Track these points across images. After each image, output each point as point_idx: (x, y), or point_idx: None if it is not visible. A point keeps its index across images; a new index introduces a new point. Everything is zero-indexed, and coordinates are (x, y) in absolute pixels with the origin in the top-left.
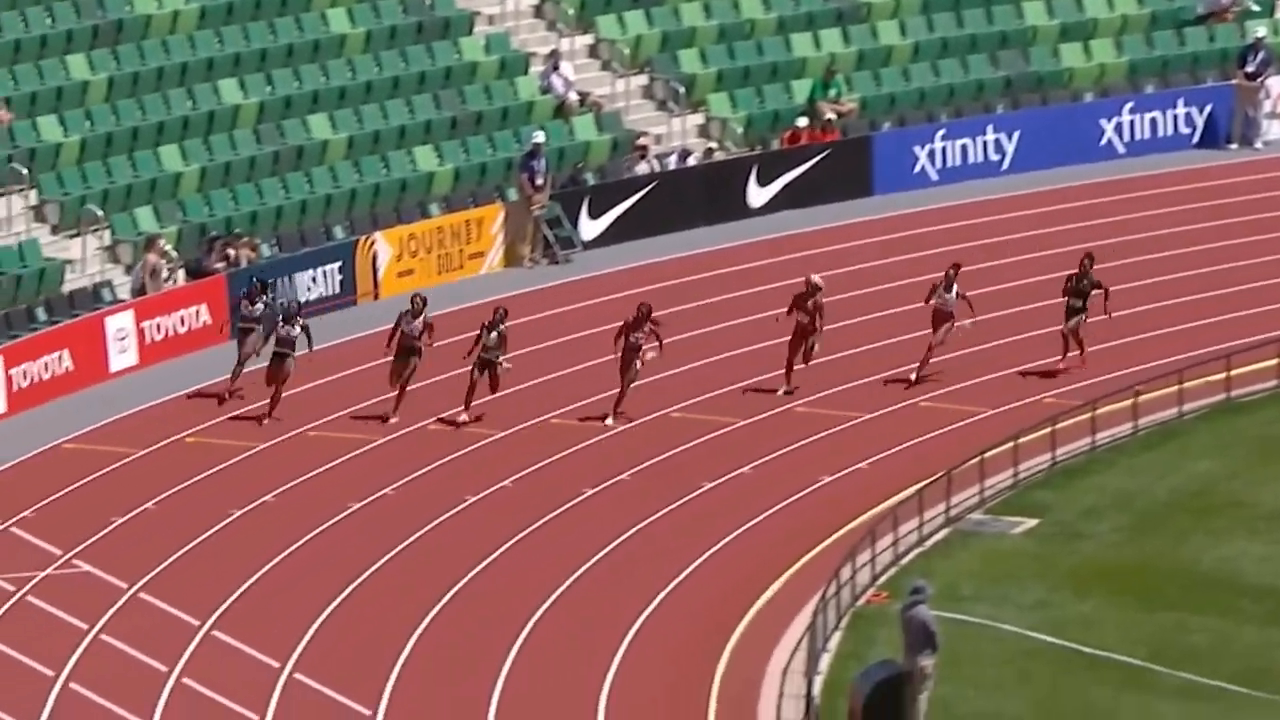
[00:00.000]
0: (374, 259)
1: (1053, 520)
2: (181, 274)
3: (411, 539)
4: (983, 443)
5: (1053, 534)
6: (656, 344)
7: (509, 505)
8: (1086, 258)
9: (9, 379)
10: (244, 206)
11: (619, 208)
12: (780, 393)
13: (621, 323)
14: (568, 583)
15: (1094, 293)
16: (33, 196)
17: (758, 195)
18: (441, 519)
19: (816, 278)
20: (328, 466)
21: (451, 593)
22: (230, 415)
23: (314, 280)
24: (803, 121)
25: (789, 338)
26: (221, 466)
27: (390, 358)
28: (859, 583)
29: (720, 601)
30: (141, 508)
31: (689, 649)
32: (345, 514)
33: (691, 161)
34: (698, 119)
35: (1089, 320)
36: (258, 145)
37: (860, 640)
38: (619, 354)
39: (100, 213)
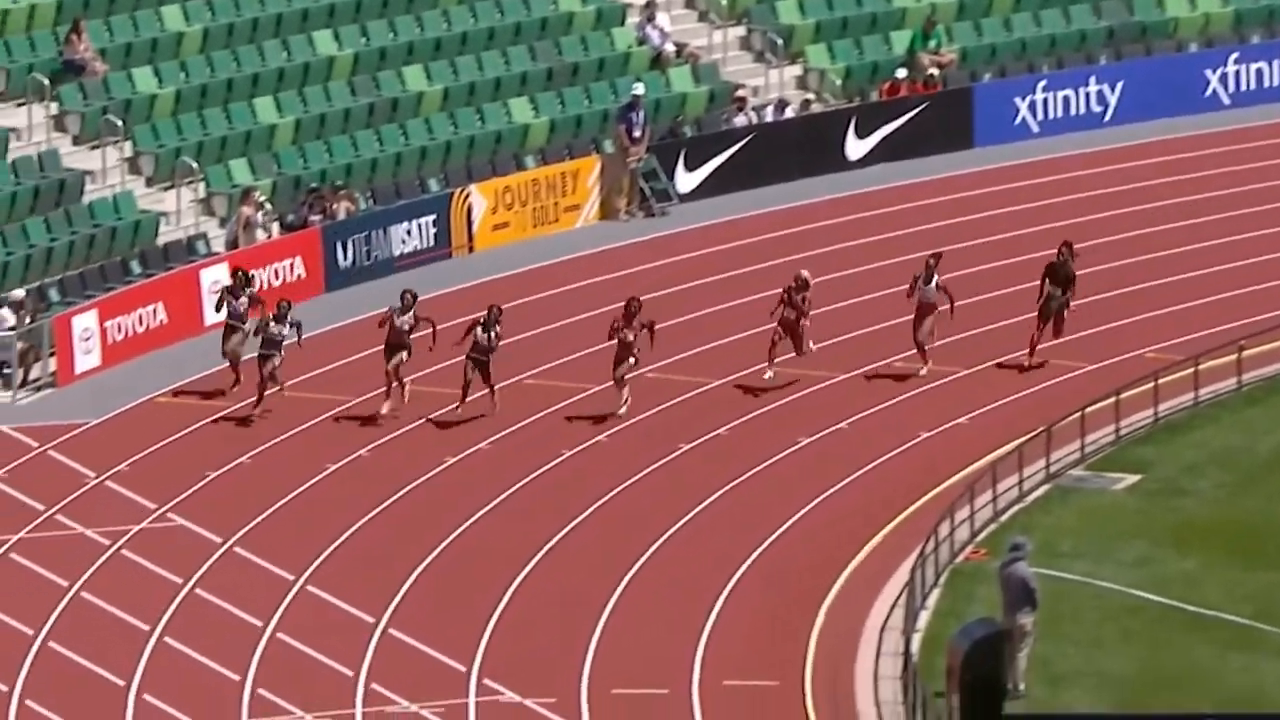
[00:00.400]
0: (469, 212)
1: (1155, 476)
2: (276, 227)
3: (507, 494)
4: (1084, 398)
5: (1155, 490)
6: (646, 334)
7: (605, 460)
8: (1065, 245)
9: (104, 332)
10: (338, 159)
11: (715, 160)
12: (767, 377)
13: (613, 325)
14: (665, 537)
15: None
16: (127, 149)
17: (856, 148)
18: (537, 473)
19: (805, 272)
20: (423, 420)
21: (547, 548)
22: (327, 368)
23: (408, 234)
24: (902, 73)
25: (775, 328)
26: (316, 420)
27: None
28: (957, 539)
29: (818, 557)
30: (236, 461)
31: (786, 605)
32: (441, 468)
33: (789, 113)
34: (796, 70)
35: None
36: (353, 97)
37: (958, 597)
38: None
39: (195, 165)
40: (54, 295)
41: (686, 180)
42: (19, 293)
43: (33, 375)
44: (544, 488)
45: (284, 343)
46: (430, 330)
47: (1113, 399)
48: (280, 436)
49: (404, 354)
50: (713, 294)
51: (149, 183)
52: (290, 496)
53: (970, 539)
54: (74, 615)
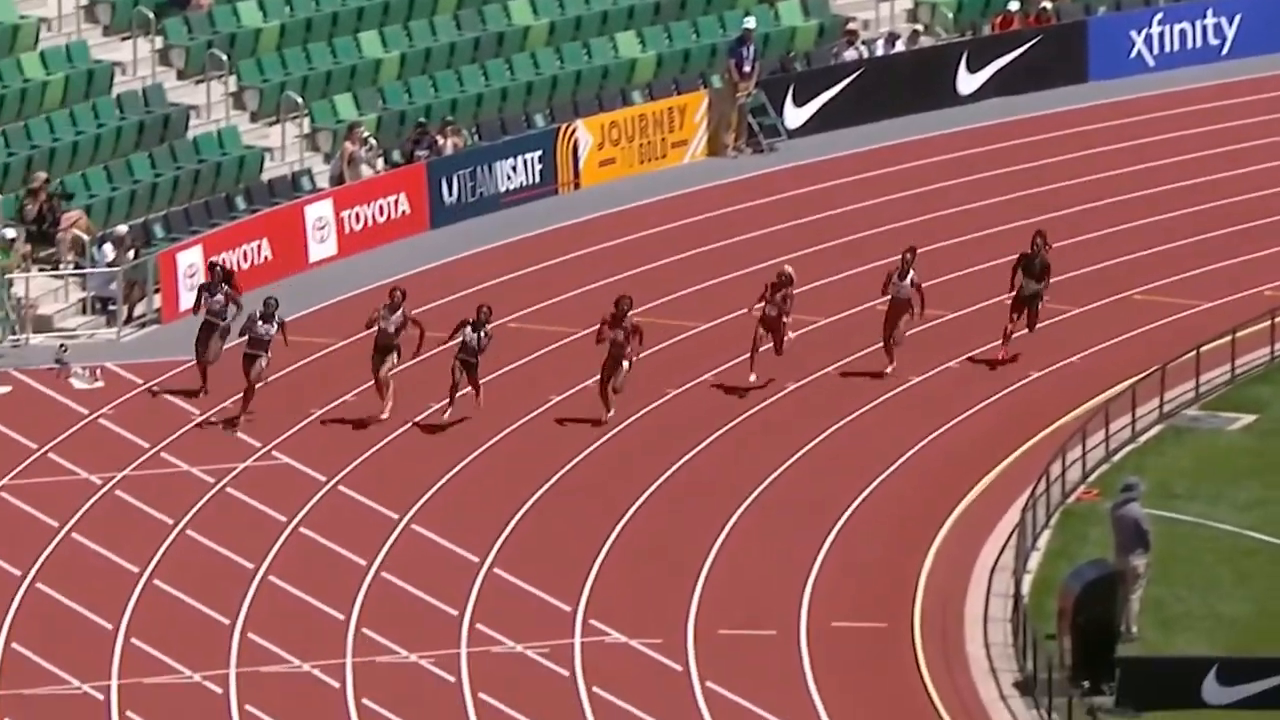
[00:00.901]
0: (574, 148)
1: (1271, 416)
2: (380, 162)
3: (613, 433)
4: (1199, 336)
5: (1270, 430)
6: (636, 340)
7: (711, 401)
8: (1038, 235)
9: (208, 268)
10: (444, 94)
11: (825, 95)
12: (751, 379)
13: (601, 323)
14: (772, 478)
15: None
16: (232, 83)
17: (968, 82)
18: (644, 411)
19: (789, 268)
20: (528, 358)
21: (653, 488)
22: (430, 305)
23: (513, 170)
24: (1014, 6)
25: (756, 327)
26: (422, 358)
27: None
28: (1069, 479)
29: (928, 497)
30: (340, 400)
31: (895, 546)
32: (546, 406)
33: (900, 47)
34: (906, 3)
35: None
36: (458, 31)
37: (1070, 538)
38: (603, 341)
39: (299, 100)
40: (158, 231)
41: (795, 115)
42: (122, 228)
43: (137, 312)
44: (650, 428)
45: (270, 341)
46: (417, 333)
47: (1228, 337)
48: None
49: (393, 358)
50: (821, 231)
51: (253, 118)
52: (394, 434)
53: (1082, 479)
54: (178, 553)
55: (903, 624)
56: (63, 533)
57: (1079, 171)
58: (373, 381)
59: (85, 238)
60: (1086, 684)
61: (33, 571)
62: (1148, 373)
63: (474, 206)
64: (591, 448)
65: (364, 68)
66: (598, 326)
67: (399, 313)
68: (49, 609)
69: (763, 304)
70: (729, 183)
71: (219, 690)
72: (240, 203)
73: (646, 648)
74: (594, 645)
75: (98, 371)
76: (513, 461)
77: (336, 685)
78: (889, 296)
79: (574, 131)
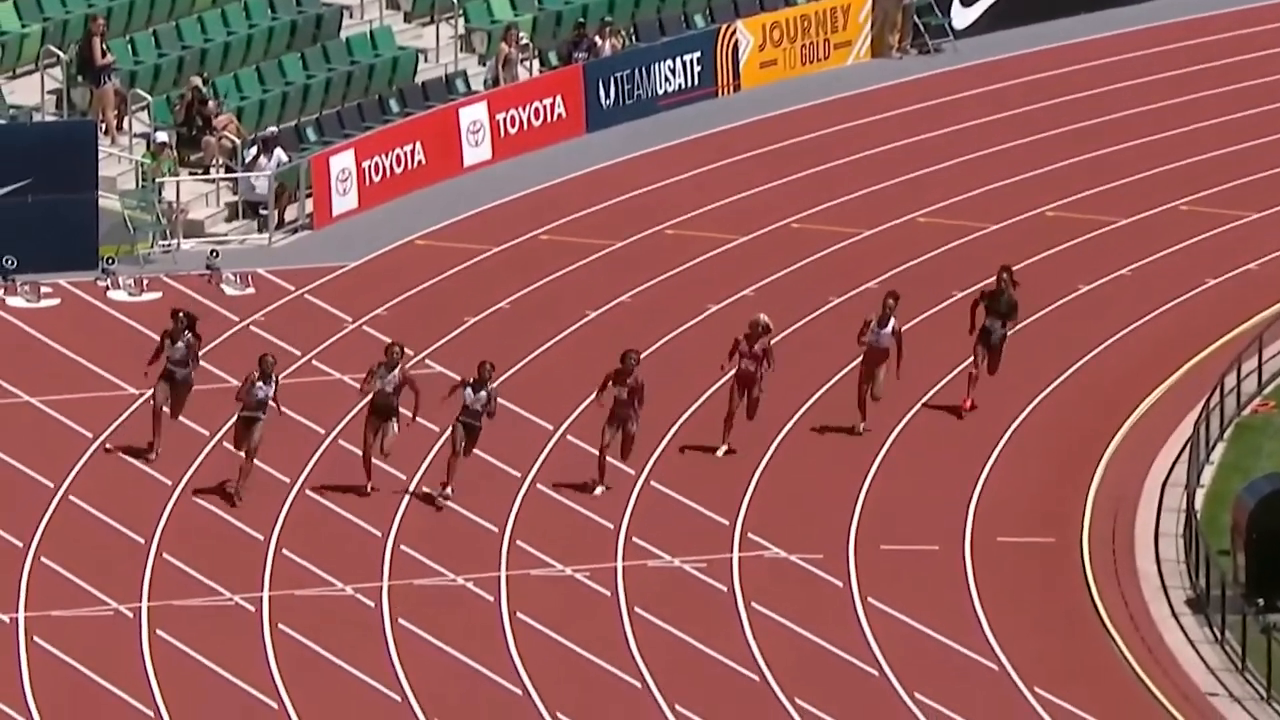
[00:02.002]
0: (734, 49)
1: None
2: (536, 64)
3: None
4: None
5: None
6: (637, 401)
7: (876, 304)
8: (1004, 271)
9: (360, 173)
10: None
11: None
12: (720, 453)
13: (607, 376)
14: (935, 388)
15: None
16: None
17: None
18: (804, 321)
19: (764, 317)
20: (687, 265)
21: (813, 399)
22: (585, 211)
23: (672, 72)
24: None
25: (730, 387)
26: (577, 264)
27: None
28: (1244, 391)
29: (1098, 409)
30: (495, 307)
31: (1064, 459)
32: (702, 316)
33: None
34: None
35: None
36: None
37: (1244, 452)
38: (604, 405)
39: (454, 0)
40: (310, 134)
41: (962, 16)
42: (272, 130)
43: (289, 217)
44: (811, 337)
45: (267, 403)
46: (413, 396)
47: None
48: (540, 281)
49: (394, 425)
50: (989, 135)
51: (407, 18)
52: (550, 343)
53: (1258, 391)
54: (331, 462)
55: (1071, 539)
56: (213, 442)
57: (1263, 71)
58: (362, 450)
59: (235, 141)
60: (1261, 601)
61: (183, 481)
62: None
63: (631, 110)
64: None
65: None
66: (603, 380)
67: (397, 371)
68: (202, 520)
69: (737, 359)
70: (894, 85)
71: (372, 603)
72: (393, 105)
73: (806, 563)
74: (752, 560)
75: (249, 277)
76: (670, 371)
77: (490, 598)
78: (864, 347)
79: (734, 32)
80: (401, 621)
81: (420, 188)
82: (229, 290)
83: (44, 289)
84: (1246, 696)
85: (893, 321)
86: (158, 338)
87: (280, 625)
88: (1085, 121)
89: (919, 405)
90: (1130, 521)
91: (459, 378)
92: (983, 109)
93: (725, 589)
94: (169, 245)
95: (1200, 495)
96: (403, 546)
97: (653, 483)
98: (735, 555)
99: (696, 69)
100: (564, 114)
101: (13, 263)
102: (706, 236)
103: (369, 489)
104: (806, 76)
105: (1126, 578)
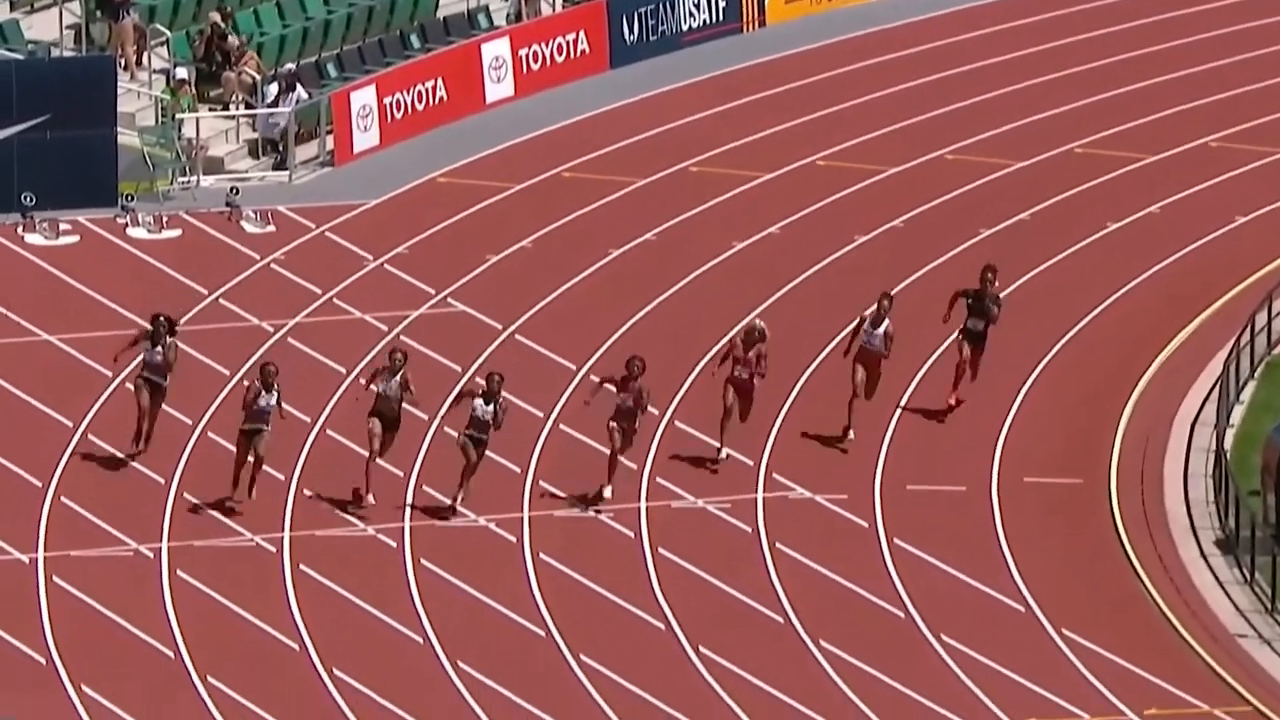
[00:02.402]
0: None
1: None
2: (559, 0)
3: (796, 281)
4: None
5: None
6: (640, 410)
7: (900, 244)
8: (988, 270)
9: (382, 109)
10: None
11: None
12: (722, 456)
13: (604, 380)
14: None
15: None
16: None
17: None
18: (827, 261)
19: (761, 323)
20: (711, 203)
21: (836, 340)
22: (609, 149)
23: (696, 7)
24: None
25: (724, 390)
26: (600, 203)
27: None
28: (1275, 329)
29: (1126, 348)
30: (518, 245)
31: (1091, 398)
32: (730, 253)
33: None
34: None
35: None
36: None
37: (1275, 391)
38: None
39: None
40: (331, 71)
41: None
42: (290, 67)
43: (309, 154)
44: (836, 274)
45: (271, 414)
46: (413, 402)
47: None
48: (563, 219)
49: (394, 434)
50: (1016, 71)
51: None
52: (573, 282)
53: None
54: (351, 401)
55: (1099, 480)
56: (234, 380)
57: None
58: (368, 457)
59: (255, 77)
60: None
61: (203, 420)
62: None
63: (655, 45)
64: (775, 296)
65: None
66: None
67: (399, 377)
68: (223, 459)
69: (732, 366)
70: (919, 21)
71: (394, 544)
72: (415, 41)
73: (831, 503)
74: (777, 500)
75: (269, 215)
76: (692, 311)
77: (513, 539)
78: (857, 347)
79: None
80: (424, 562)
81: (442, 125)
82: (249, 228)
83: (63, 226)
84: (1275, 638)
85: (887, 322)
86: (147, 324)
87: (301, 566)
88: (1113, 57)
89: (948, 342)
90: (1159, 462)
91: (465, 385)
92: (1010, 44)
93: (749, 530)
94: (188, 182)
95: (1230, 435)
96: (425, 487)
97: (677, 423)
98: (760, 496)
99: (721, 4)
100: (587, 50)
101: (31, 199)
102: (731, 174)
103: (367, 499)
104: (831, 11)
105: (1155, 519)
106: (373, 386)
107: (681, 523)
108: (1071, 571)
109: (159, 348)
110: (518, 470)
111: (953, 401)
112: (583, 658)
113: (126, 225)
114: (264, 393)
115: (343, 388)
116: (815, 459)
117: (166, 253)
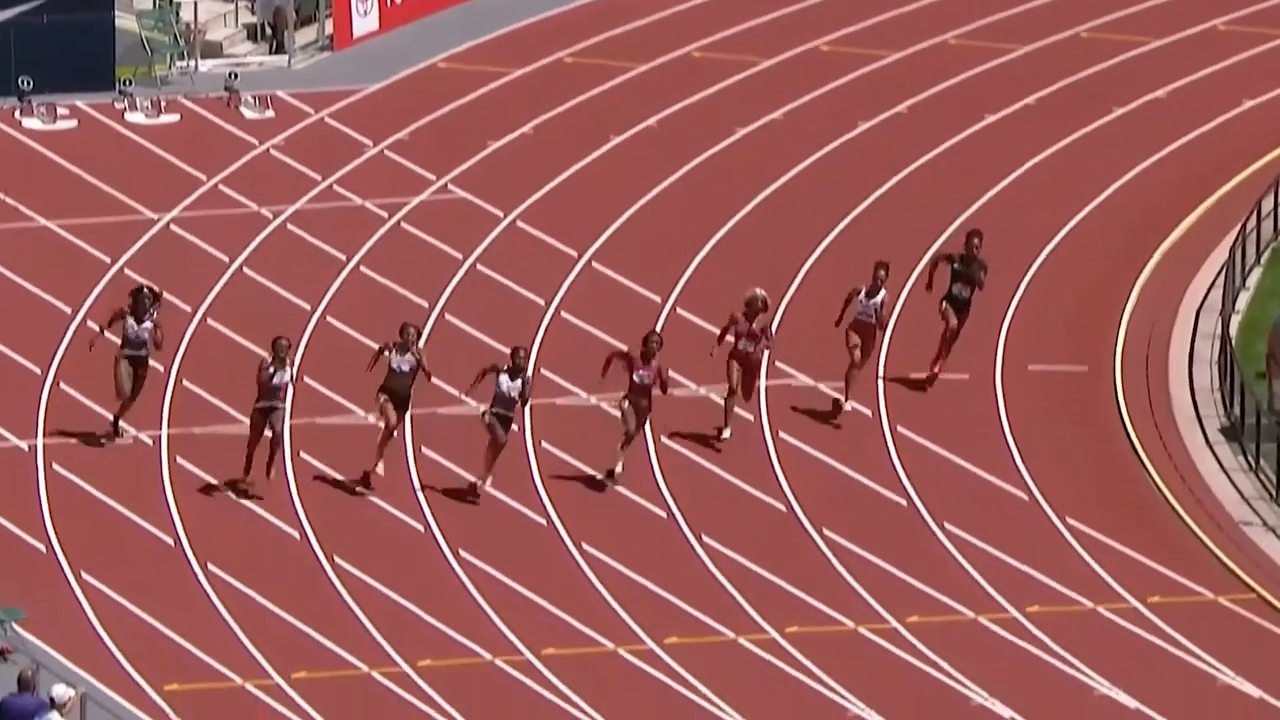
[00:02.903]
0: None
1: None
2: None
3: (802, 166)
4: None
5: None
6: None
7: (904, 131)
8: (974, 234)
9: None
10: None
11: None
12: (725, 435)
13: (619, 355)
14: (971, 210)
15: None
16: None
17: None
18: (835, 144)
19: (761, 291)
20: (712, 90)
21: (839, 229)
22: (613, 32)
23: None
24: None
25: (727, 365)
26: (602, 89)
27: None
28: None
29: (1131, 234)
30: (519, 131)
31: (1096, 284)
32: (731, 140)
33: None
34: None
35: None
36: None
37: None
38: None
39: None
40: None
41: None
42: None
43: (309, 38)
44: (837, 163)
45: (285, 389)
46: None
47: None
48: (565, 105)
49: (403, 415)
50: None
51: None
52: (575, 168)
53: None
54: (351, 289)
55: (1103, 367)
56: (233, 267)
57: None
58: (381, 426)
59: None
60: None
61: (203, 307)
62: None
63: None
64: (779, 183)
65: None
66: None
67: (409, 353)
68: (221, 344)
69: (737, 339)
70: None
71: (395, 432)
72: None
73: (835, 392)
74: (779, 389)
75: (268, 100)
76: (695, 197)
77: (515, 428)
78: (850, 318)
79: None
80: (425, 450)
81: (443, 9)
82: (248, 113)
83: (60, 110)
84: None
85: (883, 293)
86: (125, 304)
87: (302, 453)
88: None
89: (951, 229)
90: (1164, 348)
91: (489, 364)
92: None
93: (752, 418)
94: (187, 67)
95: (1235, 321)
96: (435, 380)
97: (679, 310)
98: (762, 383)
99: None
100: None
101: (28, 83)
102: (734, 59)
103: (375, 472)
104: None
105: (1159, 405)
106: (383, 355)
107: (684, 411)
108: (1075, 459)
109: (146, 323)
110: None
111: (936, 370)
112: (585, 545)
113: (124, 110)
114: (274, 368)
115: (343, 275)
116: (818, 348)
117: (164, 138)
